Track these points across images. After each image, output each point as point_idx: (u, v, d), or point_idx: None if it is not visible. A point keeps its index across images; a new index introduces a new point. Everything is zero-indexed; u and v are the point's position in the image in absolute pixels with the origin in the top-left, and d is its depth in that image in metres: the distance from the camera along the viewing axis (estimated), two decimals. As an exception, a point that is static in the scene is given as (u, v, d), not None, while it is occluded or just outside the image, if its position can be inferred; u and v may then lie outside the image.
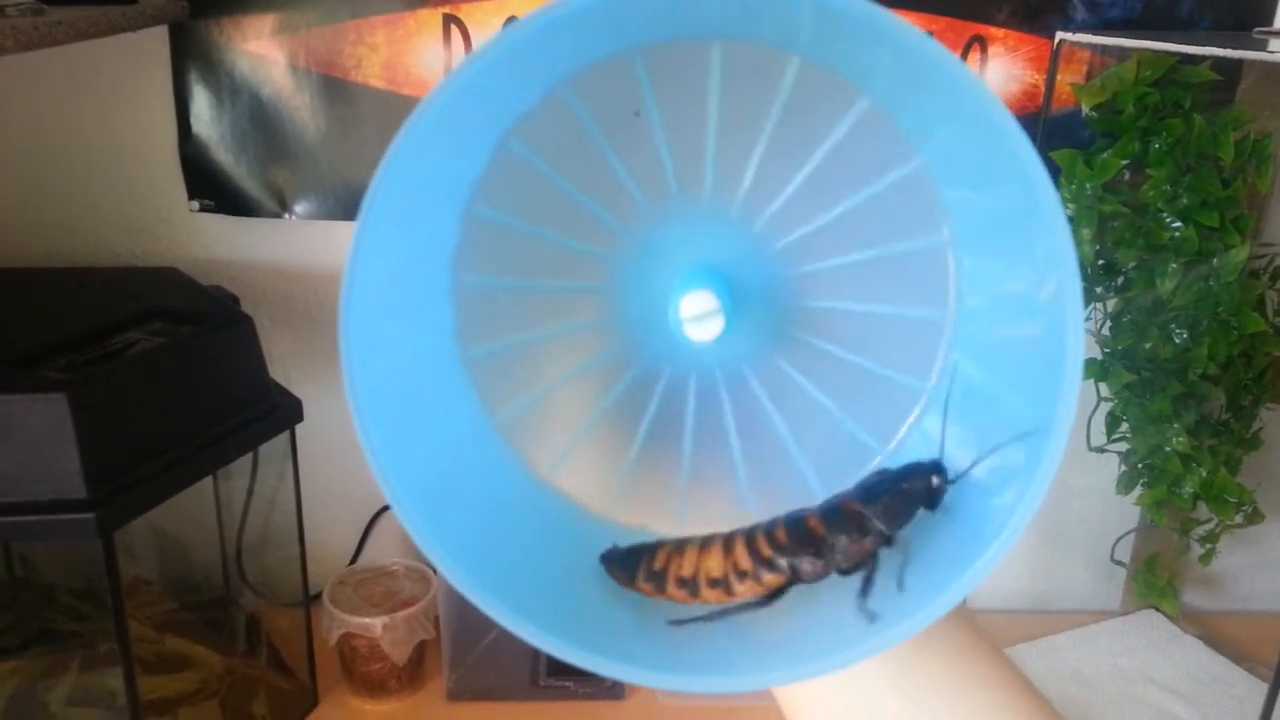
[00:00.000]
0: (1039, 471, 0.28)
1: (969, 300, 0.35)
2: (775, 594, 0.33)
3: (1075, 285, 0.27)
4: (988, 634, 0.37)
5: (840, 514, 0.33)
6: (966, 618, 0.37)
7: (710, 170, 0.35)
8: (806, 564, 0.32)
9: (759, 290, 0.36)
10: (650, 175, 0.35)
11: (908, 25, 0.26)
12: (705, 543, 0.34)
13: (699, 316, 0.34)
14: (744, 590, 0.33)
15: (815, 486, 0.37)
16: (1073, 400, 0.27)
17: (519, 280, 0.36)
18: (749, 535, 0.33)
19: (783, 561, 0.33)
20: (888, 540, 0.32)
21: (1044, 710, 0.35)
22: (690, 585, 0.33)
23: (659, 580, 0.34)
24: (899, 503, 0.32)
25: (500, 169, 0.34)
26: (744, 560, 0.33)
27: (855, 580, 0.32)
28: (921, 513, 0.33)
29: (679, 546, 0.34)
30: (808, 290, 0.36)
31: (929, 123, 0.32)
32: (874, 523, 0.32)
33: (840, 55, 0.31)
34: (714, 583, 0.33)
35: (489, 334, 0.36)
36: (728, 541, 0.34)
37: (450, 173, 0.33)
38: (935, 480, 0.32)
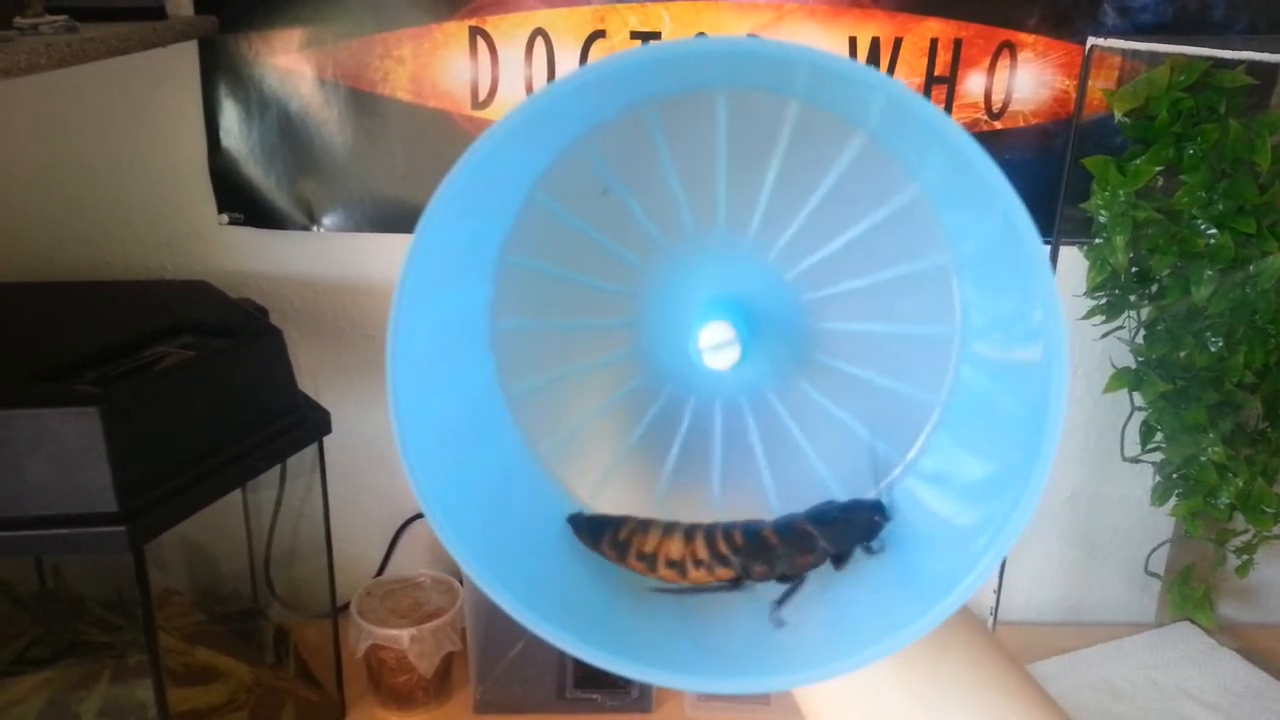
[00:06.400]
0: (1024, 500, 0.30)
1: (974, 317, 0.36)
2: (735, 584, 0.37)
3: (1057, 322, 0.29)
4: (1004, 643, 0.39)
5: (792, 531, 0.37)
6: (981, 626, 0.39)
7: (723, 208, 0.37)
8: (757, 567, 0.36)
9: (775, 317, 0.38)
10: (667, 216, 0.37)
11: (884, 76, 0.28)
12: (668, 528, 0.37)
13: (716, 346, 0.36)
14: (697, 576, 0.37)
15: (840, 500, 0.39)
16: (1055, 440, 0.29)
17: (551, 320, 0.39)
18: (709, 532, 0.37)
19: (735, 560, 0.36)
20: (830, 557, 0.37)
21: (1056, 714, 0.37)
22: (649, 560, 0.37)
23: (622, 550, 0.37)
24: (843, 530, 0.37)
25: (528, 219, 0.36)
26: (702, 551, 0.36)
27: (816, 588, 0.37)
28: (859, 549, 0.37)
29: (643, 525, 0.37)
30: (822, 314, 0.38)
31: (922, 151, 0.34)
32: (821, 542, 0.36)
33: (835, 99, 0.33)
34: (671, 563, 0.37)
35: (527, 370, 0.39)
36: (689, 532, 0.37)
37: (482, 228, 0.36)
38: (876, 518, 0.37)
